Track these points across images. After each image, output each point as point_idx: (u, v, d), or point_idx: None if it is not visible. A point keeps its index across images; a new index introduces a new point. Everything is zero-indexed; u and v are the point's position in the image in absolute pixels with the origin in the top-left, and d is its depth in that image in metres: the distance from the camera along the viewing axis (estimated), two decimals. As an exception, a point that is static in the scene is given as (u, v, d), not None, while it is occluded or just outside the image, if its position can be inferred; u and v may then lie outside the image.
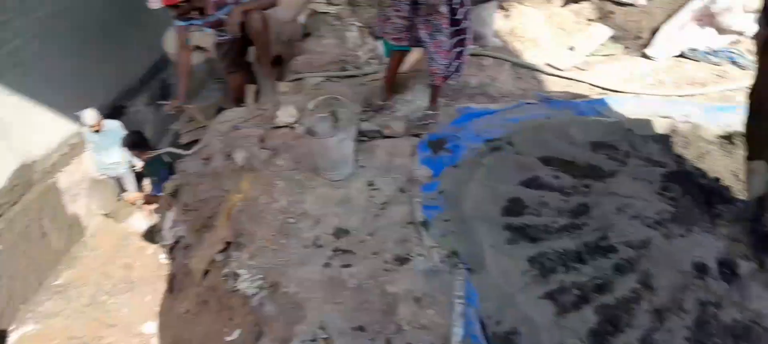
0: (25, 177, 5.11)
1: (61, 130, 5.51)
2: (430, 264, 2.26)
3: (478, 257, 2.15)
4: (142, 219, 5.57)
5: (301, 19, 5.23)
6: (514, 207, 2.36)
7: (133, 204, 5.77)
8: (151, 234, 5.49)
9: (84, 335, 4.74)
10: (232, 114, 4.10)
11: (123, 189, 6.07)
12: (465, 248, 2.24)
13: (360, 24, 5.03)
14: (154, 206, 5.50)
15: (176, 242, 3.53)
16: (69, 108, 5.46)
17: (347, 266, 2.43)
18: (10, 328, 4.91)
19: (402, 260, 2.33)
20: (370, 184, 2.91)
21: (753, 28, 2.28)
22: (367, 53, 4.61)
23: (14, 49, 4.89)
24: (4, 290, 4.88)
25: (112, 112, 5.91)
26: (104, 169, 5.70)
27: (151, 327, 4.62)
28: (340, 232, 2.67)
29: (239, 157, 3.41)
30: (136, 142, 5.24)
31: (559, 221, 2.23)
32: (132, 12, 6.21)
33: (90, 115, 5.20)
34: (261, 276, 2.52)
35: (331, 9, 5.22)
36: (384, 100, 3.64)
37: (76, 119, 5.44)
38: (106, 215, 5.63)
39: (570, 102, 3.64)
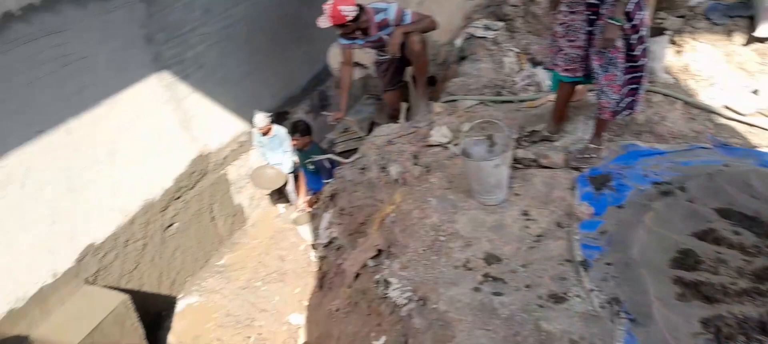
0: (202, 166, 5.79)
1: (232, 128, 6.16)
2: (588, 307, 2.18)
3: (643, 308, 2.04)
4: (305, 221, 5.86)
5: (458, 42, 5.33)
6: (686, 260, 2.20)
7: (307, 205, 6.03)
8: (300, 220, 5.86)
9: (238, 314, 5.24)
10: (387, 129, 4.30)
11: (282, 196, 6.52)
12: (628, 296, 2.13)
13: (517, 50, 5.00)
14: (309, 204, 5.91)
15: (330, 242, 3.78)
16: (240, 109, 6.10)
17: (498, 294, 2.42)
18: (179, 296, 5.59)
19: (558, 298, 2.28)
20: (525, 214, 2.88)
21: None
22: (524, 79, 4.57)
23: (198, 53, 5.57)
24: (177, 261, 5.57)
25: (277, 116, 6.46)
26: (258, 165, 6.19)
27: (298, 318, 4.98)
28: (492, 258, 2.67)
29: (394, 170, 3.57)
30: (302, 129, 5.53)
31: (739, 283, 2.04)
32: (299, 27, 6.77)
33: (261, 118, 5.72)
34: (411, 288, 2.61)
35: (489, 34, 5.25)
36: (551, 131, 3.55)
37: (248, 119, 6.04)
38: (294, 221, 6.03)
39: (752, 150, 3.30)
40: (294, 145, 5.58)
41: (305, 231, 5.82)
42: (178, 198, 5.54)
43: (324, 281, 3.76)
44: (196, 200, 5.75)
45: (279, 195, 6.58)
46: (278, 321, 5.09)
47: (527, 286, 2.39)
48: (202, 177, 5.82)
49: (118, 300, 4.42)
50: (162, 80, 5.17)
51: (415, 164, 3.62)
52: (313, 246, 5.71)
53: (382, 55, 4.61)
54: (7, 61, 3.85)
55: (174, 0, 5.13)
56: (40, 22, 3.99)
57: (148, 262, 5.25)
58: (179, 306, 5.49)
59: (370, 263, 3.03)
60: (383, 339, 2.58)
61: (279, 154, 5.96)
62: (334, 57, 5.57)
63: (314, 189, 5.82)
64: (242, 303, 5.35)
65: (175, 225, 5.50)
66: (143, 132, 5.04)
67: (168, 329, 5.27)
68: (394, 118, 4.85)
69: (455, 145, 3.64)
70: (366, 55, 5.16)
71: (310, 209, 5.84)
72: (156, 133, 5.18)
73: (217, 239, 6.11)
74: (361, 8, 4.21)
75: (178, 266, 5.60)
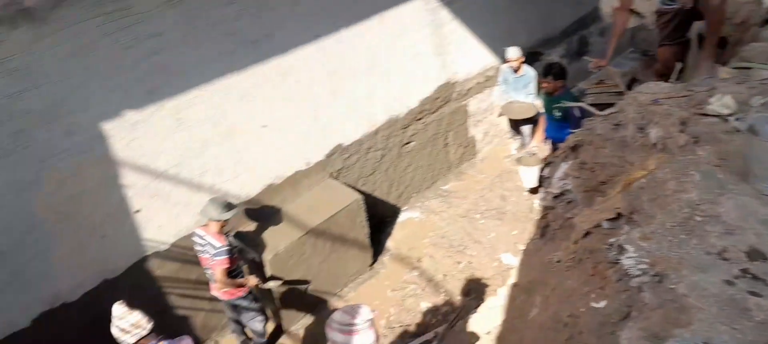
0: (446, 93, 5.98)
1: (482, 61, 6.18)
2: None
3: None
4: (530, 164, 5.66)
5: (770, 0, 4.41)
6: None
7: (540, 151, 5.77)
8: (526, 159, 5.67)
9: (453, 239, 5.46)
10: (656, 87, 3.82)
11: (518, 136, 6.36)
12: None
13: None
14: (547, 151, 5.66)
15: (561, 193, 3.61)
16: (493, 43, 6.05)
17: (756, 295, 2.05)
18: (403, 208, 6.02)
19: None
20: (816, 215, 2.34)
21: None
22: None
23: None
24: (408, 176, 5.97)
25: (528, 56, 6.25)
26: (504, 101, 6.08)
27: (510, 258, 4.98)
28: (756, 254, 2.25)
29: (654, 133, 3.18)
30: (556, 71, 5.25)
31: None
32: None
33: (514, 51, 5.58)
34: (648, 260, 2.36)
35: (816, -6, 4.22)
36: None
37: (498, 54, 5.97)
38: (518, 161, 5.90)
39: None
40: (544, 87, 5.33)
41: (526, 174, 5.61)
42: (419, 119, 5.85)
43: (546, 230, 3.63)
44: (435, 125, 6.01)
45: (515, 132, 6.46)
46: (490, 256, 5.15)
47: (800, 298, 1.97)
48: (444, 104, 6.04)
49: (353, 198, 4.95)
50: (427, 3, 5.38)
51: (682, 131, 3.16)
52: (532, 191, 5.53)
53: (669, 4, 4.05)
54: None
55: (454, -75, 5.21)
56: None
57: (383, 172, 5.72)
58: (401, 217, 5.92)
59: (605, 224, 2.81)
60: (604, 303, 2.40)
61: (522, 95, 5.80)
62: (608, 1, 5.09)
63: (554, 138, 5.55)
64: (458, 229, 5.53)
65: (412, 143, 5.86)
66: (401, 51, 5.36)
67: (388, 235, 5.75)
68: (664, 76, 4.30)
69: (738, 118, 3.08)
70: (646, 3, 4.59)
71: (539, 153, 5.59)
72: (412, 54, 5.47)
73: (446, 165, 6.34)
74: None
75: (408, 181, 6.00)
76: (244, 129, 4.48)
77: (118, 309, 2.85)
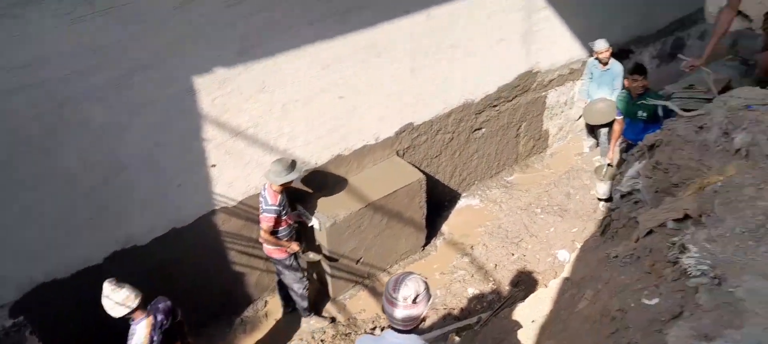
0: (527, 82, 5.86)
1: (568, 53, 5.98)
2: None
3: None
4: (606, 178, 5.47)
5: None
6: None
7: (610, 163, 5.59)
8: (601, 172, 5.49)
9: (509, 230, 5.39)
10: (750, 92, 3.57)
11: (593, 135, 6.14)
12: None
13: None
14: (617, 151, 5.44)
15: (629, 193, 3.48)
16: (583, 35, 5.84)
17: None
18: (463, 194, 5.99)
19: None
20: None
21: None
22: None
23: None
24: (473, 163, 5.93)
25: (618, 53, 5.99)
26: (589, 98, 5.88)
27: (565, 255, 4.86)
28: (826, 270, 2.10)
29: (740, 139, 2.99)
30: (638, 69, 4.98)
31: None
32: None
33: (602, 42, 5.38)
34: (710, 262, 2.25)
35: None
36: None
37: (586, 47, 5.76)
38: (595, 171, 5.71)
39: None
40: (628, 85, 5.09)
41: (600, 186, 5.43)
42: (494, 106, 5.77)
43: (607, 229, 3.52)
44: (509, 113, 5.91)
45: (590, 133, 6.25)
46: (545, 251, 5.05)
47: None
48: (522, 93, 5.92)
49: (416, 177, 4.98)
50: (520, -11, 5.25)
51: (770, 140, 2.96)
52: (605, 200, 5.34)
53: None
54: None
55: None
56: None
57: (449, 155, 5.70)
58: (460, 203, 5.90)
59: (671, 224, 2.70)
60: (656, 300, 2.33)
61: (606, 91, 5.59)
62: (715, 0, 4.75)
63: (631, 139, 5.30)
64: (516, 221, 5.45)
65: (482, 130, 5.80)
66: (488, 34, 5.27)
67: (445, 218, 5.76)
68: (763, 83, 4.00)
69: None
70: (757, 6, 4.26)
71: (614, 166, 5.36)
72: (498, 38, 5.37)
73: (514, 156, 6.23)
74: None
75: (473, 168, 5.95)
76: (322, 98, 4.60)
77: (108, 286, 3.00)
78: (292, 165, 4.15)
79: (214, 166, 4.30)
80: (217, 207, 4.43)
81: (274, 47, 4.18)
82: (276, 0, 4.06)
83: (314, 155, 4.80)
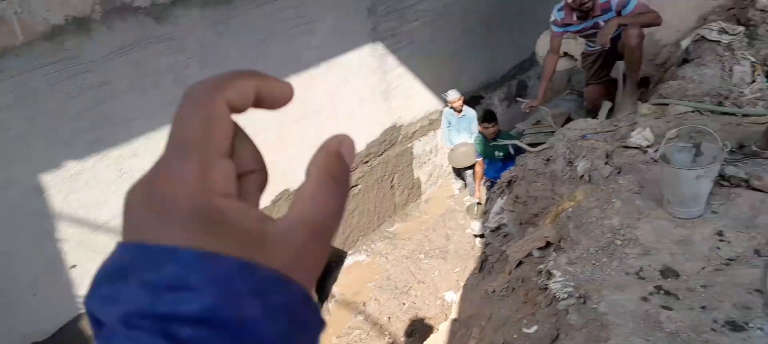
0: (392, 136, 6.12)
1: (426, 105, 6.38)
2: (775, 344, 1.85)
3: None
4: (477, 216, 5.85)
5: (684, 43, 4.78)
6: None
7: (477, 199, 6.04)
8: (472, 211, 5.89)
9: (398, 280, 5.49)
10: (583, 124, 4.06)
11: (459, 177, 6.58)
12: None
13: (754, 59, 4.32)
14: (482, 188, 5.88)
15: (498, 228, 3.73)
16: (437, 87, 6.28)
17: (668, 308, 2.19)
18: (349, 252, 6.03)
19: (736, 326, 1.98)
20: (719, 234, 2.52)
21: None
22: (755, 92, 3.94)
23: (412, 29, 5.86)
24: (354, 220, 6.01)
25: (470, 100, 6.52)
26: (451, 144, 6.31)
27: (452, 296, 5.04)
28: (669, 272, 2.41)
29: (581, 166, 3.37)
30: (488, 117, 5.52)
31: None
32: (513, 12, 6.70)
33: (454, 93, 5.84)
34: (573, 284, 2.47)
35: (724, 38, 4.60)
36: (764, 147, 3.06)
37: (441, 97, 6.20)
38: (467, 210, 6.12)
39: None
40: (482, 131, 5.57)
41: (476, 226, 5.80)
42: (366, 162, 5.94)
43: (484, 264, 3.73)
44: (381, 167, 6.12)
45: (457, 176, 6.65)
46: (433, 295, 5.20)
47: (703, 307, 2.12)
48: (390, 147, 6.16)
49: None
50: (375, 51, 5.56)
51: (606, 163, 3.37)
52: (480, 236, 5.68)
53: (592, 46, 4.34)
54: (252, 17, 4.51)
55: (401, -24, 5.47)
56: (283, -15, 4.57)
57: (331, 215, 5.72)
58: (348, 261, 5.92)
59: (536, 253, 2.93)
60: (535, 327, 2.49)
61: (465, 135, 6.02)
62: (543, 45, 5.40)
63: (492, 177, 5.76)
64: (403, 270, 5.58)
65: (358, 186, 5.92)
66: (349, 96, 5.50)
67: (334, 279, 5.72)
68: (592, 113, 4.56)
69: (656, 150, 3.30)
70: (577, 46, 4.90)
71: (482, 202, 5.80)
72: (359, 99, 5.61)
73: (392, 207, 6.43)
74: None
75: (354, 224, 6.03)
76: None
77: None
78: None
79: (74, 267, 3.94)
80: (82, 311, 4.03)
81: (130, 133, 4.00)
82: (131, 84, 3.93)
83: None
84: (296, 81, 4.92)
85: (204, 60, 4.34)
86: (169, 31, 4.13)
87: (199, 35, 4.30)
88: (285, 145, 5.06)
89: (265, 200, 5.05)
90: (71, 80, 3.67)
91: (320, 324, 0.32)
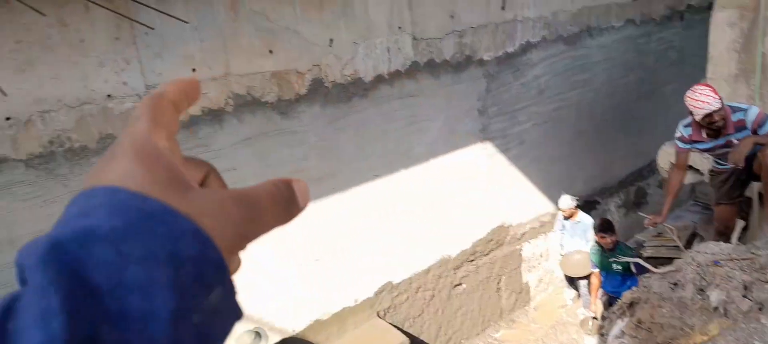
0: (500, 236, 5.97)
1: (537, 206, 6.19)
2: None
3: None
4: (593, 333, 5.47)
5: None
6: None
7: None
8: (587, 326, 5.47)
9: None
10: (715, 247, 3.69)
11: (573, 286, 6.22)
12: None
13: None
14: (598, 301, 5.47)
15: (616, 353, 3.42)
16: (549, 189, 6.10)
17: None
18: (451, 356, 5.80)
19: None
20: None
21: None
22: None
23: (523, 130, 5.81)
24: (457, 321, 5.82)
25: (584, 204, 6.24)
26: (564, 250, 6.00)
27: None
28: None
29: (715, 297, 3.04)
30: (605, 227, 5.20)
31: None
32: (629, 119, 6.47)
33: (566, 200, 5.62)
34: None
35: None
36: None
37: (554, 200, 6.00)
38: (581, 324, 5.84)
39: None
40: (599, 241, 5.25)
41: (588, 340, 5.39)
42: (472, 261, 5.81)
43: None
44: (487, 267, 5.94)
45: (570, 284, 6.28)
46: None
47: None
48: (497, 247, 6.00)
49: (399, 340, 4.81)
50: (484, 150, 5.58)
51: (745, 297, 3.01)
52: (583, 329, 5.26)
53: (722, 164, 4.01)
54: (369, 115, 4.73)
55: (514, 79, 5.55)
56: (400, 86, 4.80)
57: (432, 313, 5.60)
58: (448, 366, 5.68)
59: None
60: None
61: (580, 241, 5.71)
62: (665, 157, 5.09)
63: (610, 291, 5.35)
64: (509, 381, 5.25)
65: (462, 285, 5.77)
66: (456, 194, 5.49)
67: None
68: (724, 235, 4.15)
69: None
70: (703, 161, 4.56)
71: (597, 316, 5.37)
72: (467, 197, 5.58)
73: (498, 311, 6.16)
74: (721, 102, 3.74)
75: (457, 325, 5.83)
76: (297, 261, 4.59)
77: None
78: (258, 336, 3.98)
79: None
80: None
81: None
82: (254, 172, 4.20)
83: (292, 321, 4.65)
84: (406, 176, 5.03)
85: (322, 152, 4.57)
86: (292, 124, 4.42)
87: (318, 130, 4.56)
88: (389, 238, 5.11)
89: (369, 290, 5.07)
90: (201, 166, 4.00)
91: (236, 311, 0.33)
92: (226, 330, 0.33)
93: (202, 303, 0.30)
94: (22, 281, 0.28)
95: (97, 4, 3.13)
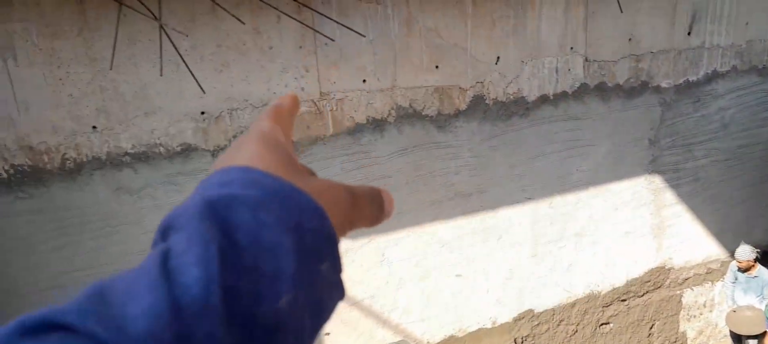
0: (659, 278, 5.45)
1: (705, 251, 5.56)
2: None
3: None
4: None
5: None
6: None
7: None
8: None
9: None
10: None
11: None
12: None
13: None
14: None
15: None
16: (722, 233, 5.44)
17: None
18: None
19: None
20: None
21: None
22: None
23: (699, 166, 5.24)
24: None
25: (763, 256, 5.48)
26: (734, 304, 5.35)
27: None
28: None
29: None
30: None
31: None
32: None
33: (745, 251, 4.98)
34: None
35: None
36: None
37: (727, 246, 5.35)
38: None
39: None
40: None
41: None
42: (623, 300, 5.37)
43: None
44: (640, 310, 5.46)
45: (735, 342, 5.54)
46: None
47: None
48: (654, 289, 5.49)
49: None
50: (650, 183, 5.13)
51: None
52: None
53: None
54: (527, 135, 4.57)
55: (694, 110, 5.03)
56: (565, 108, 4.57)
57: (573, 349, 5.28)
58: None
59: None
60: None
61: (753, 298, 5.02)
62: None
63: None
64: None
65: (610, 325, 5.36)
66: (614, 225, 5.12)
67: None
68: None
69: None
70: None
71: None
72: (625, 230, 5.18)
73: (649, 359, 5.64)
74: None
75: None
76: (439, 274, 4.59)
77: None
78: None
79: (328, 334, 4.33)
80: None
81: (397, 224, 4.31)
82: (406, 181, 4.26)
83: (427, 333, 4.66)
84: (560, 201, 4.78)
85: (474, 169, 4.50)
86: (448, 139, 4.41)
87: (473, 146, 4.49)
88: (537, 262, 4.90)
89: (508, 315, 4.91)
90: (359, 171, 4.14)
91: (340, 288, 0.37)
92: (333, 304, 0.37)
93: (317, 270, 0.34)
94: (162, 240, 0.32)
95: (288, 15, 3.36)
